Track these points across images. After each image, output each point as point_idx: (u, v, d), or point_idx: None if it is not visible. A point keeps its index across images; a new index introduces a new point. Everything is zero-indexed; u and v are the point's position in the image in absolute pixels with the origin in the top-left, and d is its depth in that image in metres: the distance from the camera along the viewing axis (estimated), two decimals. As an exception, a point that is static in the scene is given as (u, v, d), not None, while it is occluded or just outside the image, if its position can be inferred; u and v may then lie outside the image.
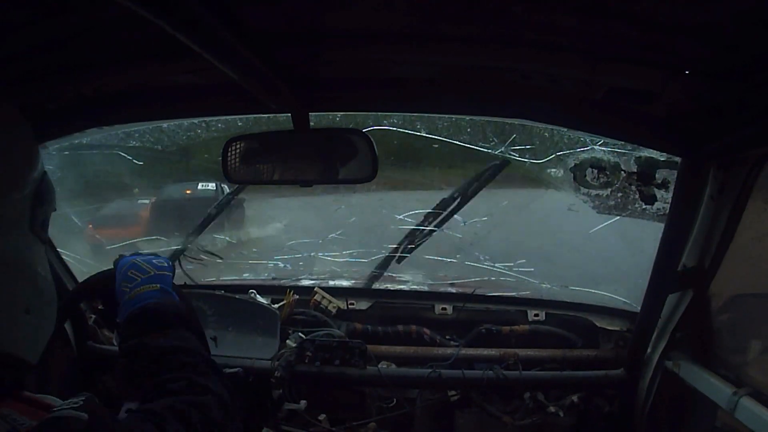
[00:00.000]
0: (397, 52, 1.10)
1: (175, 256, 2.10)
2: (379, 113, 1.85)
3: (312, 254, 2.87)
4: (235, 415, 0.89)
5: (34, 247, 0.69)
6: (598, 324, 1.89)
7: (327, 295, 1.97)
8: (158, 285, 1.00)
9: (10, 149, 0.68)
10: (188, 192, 5.35)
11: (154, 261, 1.04)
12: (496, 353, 1.82)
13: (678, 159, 1.38)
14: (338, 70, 1.23)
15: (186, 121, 2.11)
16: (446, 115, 1.91)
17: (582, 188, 1.89)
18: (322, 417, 1.77)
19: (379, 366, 1.79)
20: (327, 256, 2.76)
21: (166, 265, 1.05)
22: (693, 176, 1.34)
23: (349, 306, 1.99)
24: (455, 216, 2.16)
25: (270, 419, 1.76)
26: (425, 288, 2.25)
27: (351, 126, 1.64)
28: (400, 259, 2.19)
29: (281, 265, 2.80)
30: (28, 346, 0.68)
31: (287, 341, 1.80)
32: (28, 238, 0.68)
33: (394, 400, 1.83)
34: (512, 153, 2.03)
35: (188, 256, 2.13)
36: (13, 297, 0.65)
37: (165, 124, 2.19)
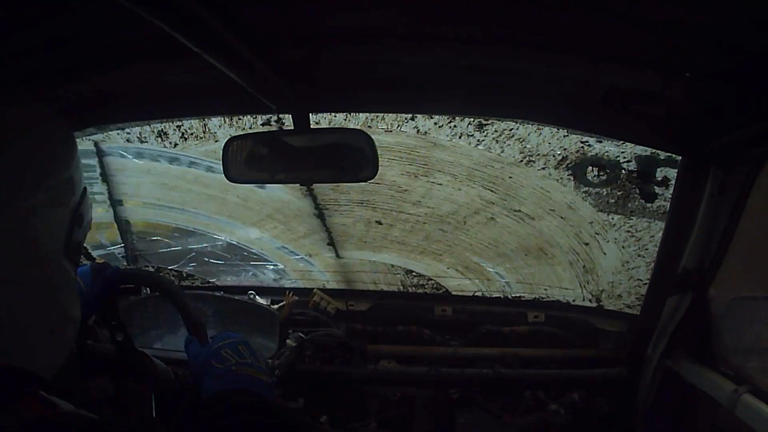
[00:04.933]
0: (397, 52, 1.10)
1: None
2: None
3: (310, 255, 2.87)
4: None
5: (66, 269, 0.69)
6: (598, 326, 1.89)
7: (326, 296, 1.97)
8: (267, 379, 0.91)
9: (47, 144, 0.68)
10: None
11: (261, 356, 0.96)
12: (497, 352, 1.82)
13: (678, 158, 1.38)
14: (338, 70, 1.23)
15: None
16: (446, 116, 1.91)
17: (582, 186, 1.90)
18: (323, 419, 1.77)
19: (379, 365, 1.79)
20: (326, 256, 2.76)
21: (269, 365, 0.96)
22: (693, 176, 1.34)
23: (349, 307, 1.99)
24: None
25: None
26: (425, 290, 2.25)
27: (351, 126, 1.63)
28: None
29: (281, 266, 2.80)
30: (47, 364, 0.69)
31: (287, 341, 1.80)
32: (62, 262, 0.68)
33: (397, 395, 1.83)
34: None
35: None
36: (40, 318, 0.66)
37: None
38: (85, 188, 0.72)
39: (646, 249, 2.02)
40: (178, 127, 2.14)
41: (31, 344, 0.66)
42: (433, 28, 0.99)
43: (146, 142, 2.22)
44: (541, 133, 1.89)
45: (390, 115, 1.96)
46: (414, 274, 2.31)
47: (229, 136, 1.31)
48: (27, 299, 0.64)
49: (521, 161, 2.05)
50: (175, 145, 2.22)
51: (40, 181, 0.65)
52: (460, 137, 2.03)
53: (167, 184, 2.41)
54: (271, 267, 2.82)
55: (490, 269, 2.45)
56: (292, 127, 1.27)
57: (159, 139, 2.19)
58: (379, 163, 1.22)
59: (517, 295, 2.18)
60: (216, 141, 2.15)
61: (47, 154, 0.67)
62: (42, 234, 0.65)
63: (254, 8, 0.89)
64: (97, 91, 1.30)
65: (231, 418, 0.78)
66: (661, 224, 1.71)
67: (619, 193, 1.89)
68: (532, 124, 1.83)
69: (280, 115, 1.72)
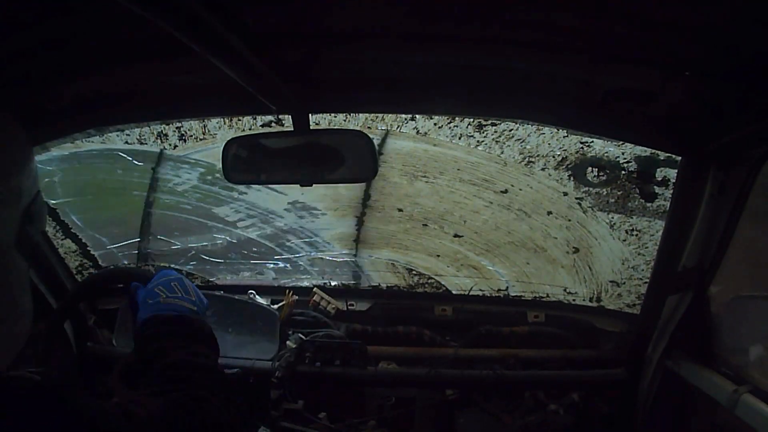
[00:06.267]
0: (397, 52, 1.10)
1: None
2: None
3: (312, 254, 2.87)
4: None
5: (15, 264, 0.69)
6: (597, 325, 1.89)
7: (326, 296, 1.97)
8: (195, 308, 1.04)
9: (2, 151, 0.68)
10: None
11: (199, 292, 1.09)
12: (497, 353, 1.82)
13: (678, 159, 1.38)
14: (338, 70, 1.23)
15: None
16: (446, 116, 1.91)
17: (582, 186, 1.90)
18: (322, 415, 1.77)
19: (379, 366, 1.79)
20: (327, 256, 2.76)
21: (205, 302, 1.09)
22: (693, 176, 1.34)
23: (349, 307, 1.99)
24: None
25: (269, 419, 1.76)
26: (425, 288, 2.25)
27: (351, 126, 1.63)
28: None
29: (281, 265, 2.80)
30: None
31: (287, 342, 1.80)
32: (11, 256, 0.68)
33: (393, 398, 1.83)
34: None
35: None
36: None
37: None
38: (38, 191, 0.73)
39: (646, 247, 2.03)
40: (178, 128, 2.14)
41: None
42: (433, 28, 0.99)
43: (145, 143, 2.22)
44: (541, 134, 1.89)
45: (390, 115, 1.97)
46: (414, 272, 2.31)
47: (228, 138, 1.31)
48: None
49: (521, 162, 2.05)
50: (175, 146, 2.22)
51: None
52: (459, 138, 2.03)
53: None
54: (272, 266, 2.82)
55: (491, 268, 2.45)
56: (292, 128, 1.27)
57: (159, 140, 2.19)
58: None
59: (517, 294, 2.18)
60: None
61: (1, 160, 0.68)
62: None
63: (254, 8, 0.89)
64: (97, 92, 1.30)
65: (155, 331, 0.94)
66: (660, 223, 1.71)
67: (619, 193, 1.89)
68: (531, 125, 1.83)
69: (280, 116, 1.72)
